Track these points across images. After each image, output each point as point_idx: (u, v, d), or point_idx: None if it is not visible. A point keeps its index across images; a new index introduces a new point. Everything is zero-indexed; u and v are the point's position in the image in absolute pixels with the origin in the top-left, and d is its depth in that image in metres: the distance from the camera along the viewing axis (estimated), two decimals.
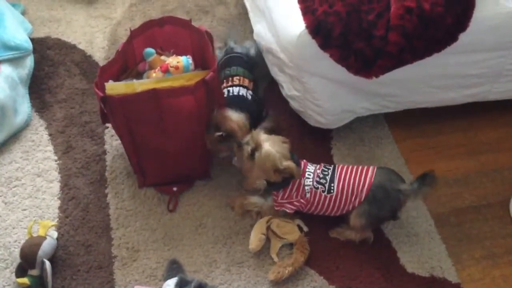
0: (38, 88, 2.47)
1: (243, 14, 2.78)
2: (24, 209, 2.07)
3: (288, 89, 2.22)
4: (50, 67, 2.56)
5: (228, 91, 2.09)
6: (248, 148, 1.84)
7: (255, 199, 2.02)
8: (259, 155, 1.82)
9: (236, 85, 2.11)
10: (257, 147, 1.83)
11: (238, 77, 2.15)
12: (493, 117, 2.42)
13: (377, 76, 1.95)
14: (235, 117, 1.94)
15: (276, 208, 1.97)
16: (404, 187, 1.88)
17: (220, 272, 1.93)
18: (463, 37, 1.96)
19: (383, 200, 1.88)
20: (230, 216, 2.06)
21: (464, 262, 1.98)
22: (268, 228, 1.98)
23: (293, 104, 2.25)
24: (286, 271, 1.88)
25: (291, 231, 1.98)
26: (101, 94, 1.86)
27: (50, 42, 2.67)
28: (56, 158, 2.23)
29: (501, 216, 2.11)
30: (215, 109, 1.95)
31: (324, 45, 1.89)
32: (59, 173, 2.18)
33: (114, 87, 1.88)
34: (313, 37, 1.88)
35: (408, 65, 1.98)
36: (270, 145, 1.83)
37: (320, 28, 1.87)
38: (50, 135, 2.31)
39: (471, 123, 2.41)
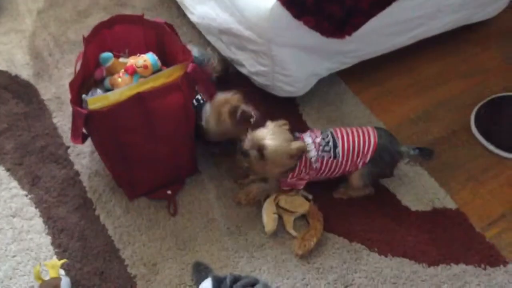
0: None
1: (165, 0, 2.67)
2: (14, 256, 1.86)
3: (251, 66, 2.19)
4: None
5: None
6: (254, 153, 1.78)
7: (258, 186, 2.00)
8: (267, 154, 1.77)
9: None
10: (261, 146, 1.77)
11: None
12: (428, 53, 2.59)
13: (350, 35, 2.00)
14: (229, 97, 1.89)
15: (285, 189, 1.96)
16: (405, 149, 1.96)
17: (246, 260, 1.90)
18: None
19: (387, 161, 1.96)
20: (234, 204, 2.03)
21: (454, 189, 2.13)
22: (277, 205, 1.98)
23: (258, 79, 2.23)
24: (312, 243, 1.90)
25: (300, 203, 1.99)
26: (84, 111, 1.70)
27: None
28: (25, 192, 2.02)
29: (467, 139, 2.29)
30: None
31: (298, 14, 1.88)
32: (35, 207, 1.98)
33: (95, 101, 1.72)
34: (287, 8, 1.86)
35: None
36: (271, 139, 1.78)
37: None
38: (8, 170, 2.07)
39: (412, 64, 2.56)
